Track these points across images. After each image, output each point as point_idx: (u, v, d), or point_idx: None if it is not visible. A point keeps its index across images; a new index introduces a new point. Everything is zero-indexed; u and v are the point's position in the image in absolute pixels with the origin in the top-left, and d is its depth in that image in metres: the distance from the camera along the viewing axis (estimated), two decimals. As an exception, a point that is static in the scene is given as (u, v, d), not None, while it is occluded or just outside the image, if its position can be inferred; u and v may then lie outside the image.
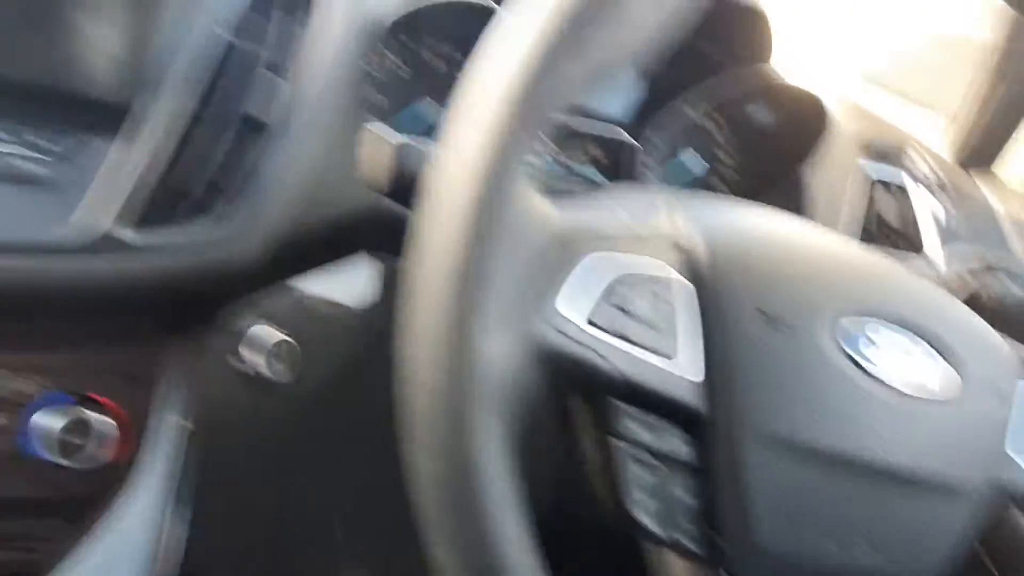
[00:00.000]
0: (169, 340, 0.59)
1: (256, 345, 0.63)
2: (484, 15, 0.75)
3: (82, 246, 0.49)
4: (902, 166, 0.91)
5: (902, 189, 0.90)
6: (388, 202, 0.73)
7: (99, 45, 0.55)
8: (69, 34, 0.54)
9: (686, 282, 0.42)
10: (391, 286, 0.74)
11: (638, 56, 0.38)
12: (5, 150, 0.50)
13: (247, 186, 0.55)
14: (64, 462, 0.57)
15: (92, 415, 0.57)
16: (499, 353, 0.36)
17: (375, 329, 0.72)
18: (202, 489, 0.62)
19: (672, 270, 0.42)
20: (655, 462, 0.40)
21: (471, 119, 0.36)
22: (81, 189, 0.51)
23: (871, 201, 0.87)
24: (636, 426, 0.40)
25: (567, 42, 0.35)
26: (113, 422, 0.58)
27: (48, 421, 0.56)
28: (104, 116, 0.54)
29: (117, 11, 0.55)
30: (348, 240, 0.68)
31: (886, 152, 0.90)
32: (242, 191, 0.55)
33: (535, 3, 0.36)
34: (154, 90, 0.55)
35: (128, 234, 0.50)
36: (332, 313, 0.69)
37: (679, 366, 0.40)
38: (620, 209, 0.44)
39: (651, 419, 0.40)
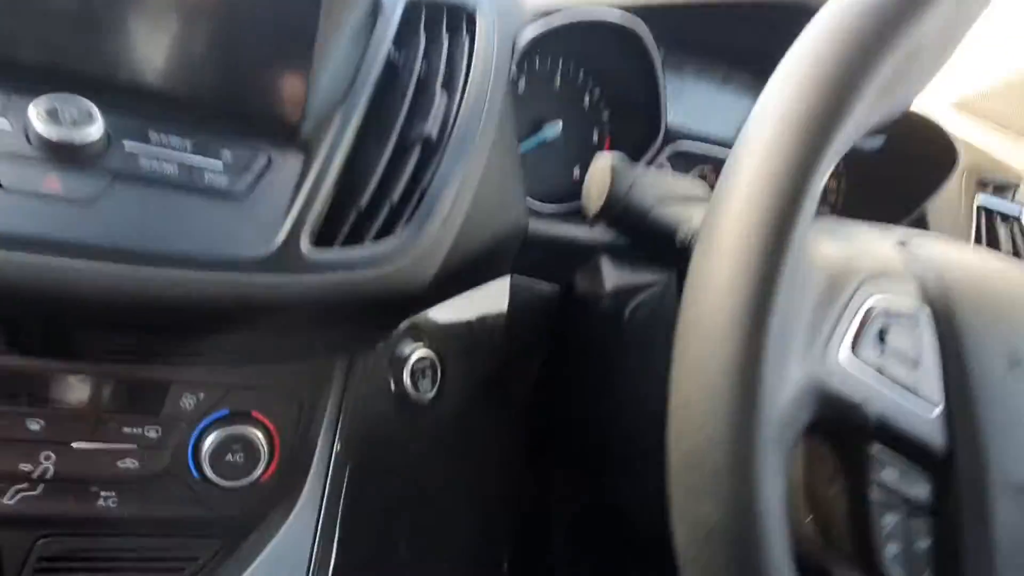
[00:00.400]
0: (332, 360, 0.58)
1: (402, 362, 0.62)
2: (616, 34, 0.75)
3: (265, 262, 0.48)
4: (1018, 200, 0.90)
5: (1019, 222, 0.89)
6: (539, 225, 0.72)
7: (277, 65, 0.54)
8: (250, 54, 0.53)
9: (931, 320, 0.41)
10: (523, 307, 0.73)
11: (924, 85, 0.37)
12: (195, 163, 0.49)
13: (423, 205, 0.54)
14: (221, 481, 0.55)
15: (251, 432, 0.56)
16: (781, 395, 0.35)
17: (512, 348, 0.71)
18: (351, 508, 0.60)
19: (924, 308, 0.41)
20: (904, 508, 0.39)
21: (763, 149, 0.35)
22: (266, 204, 0.50)
23: (991, 234, 0.87)
24: (891, 472, 0.39)
25: (871, 74, 0.34)
26: (268, 441, 0.57)
27: (212, 437, 0.54)
28: (283, 134, 0.53)
29: (291, 32, 0.54)
30: (500, 260, 0.67)
31: (1003, 186, 0.89)
32: (418, 210, 0.54)
33: (831, 34, 0.35)
34: (330, 110, 0.54)
35: (311, 251, 0.49)
36: (469, 329, 0.68)
37: (932, 408, 0.39)
38: (868, 244, 0.43)
39: (902, 463, 0.39)
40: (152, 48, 0.51)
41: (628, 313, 0.68)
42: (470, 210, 0.56)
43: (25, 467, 0.52)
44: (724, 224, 0.35)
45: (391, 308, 0.55)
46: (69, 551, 0.55)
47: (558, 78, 0.82)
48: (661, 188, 0.56)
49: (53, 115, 0.45)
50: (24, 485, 0.52)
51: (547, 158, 0.84)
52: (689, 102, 0.87)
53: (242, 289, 0.47)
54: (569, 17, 0.71)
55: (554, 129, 0.81)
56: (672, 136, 0.83)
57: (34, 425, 0.51)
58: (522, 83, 0.81)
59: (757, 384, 0.34)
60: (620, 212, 0.56)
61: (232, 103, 0.52)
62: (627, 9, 0.74)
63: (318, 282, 0.49)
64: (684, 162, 0.87)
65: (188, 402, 0.54)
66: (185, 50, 0.51)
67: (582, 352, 0.73)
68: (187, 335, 0.51)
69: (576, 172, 0.85)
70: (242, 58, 0.52)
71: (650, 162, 0.83)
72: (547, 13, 0.73)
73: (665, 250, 0.55)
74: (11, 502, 0.52)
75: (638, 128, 0.83)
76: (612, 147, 0.86)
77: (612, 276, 0.77)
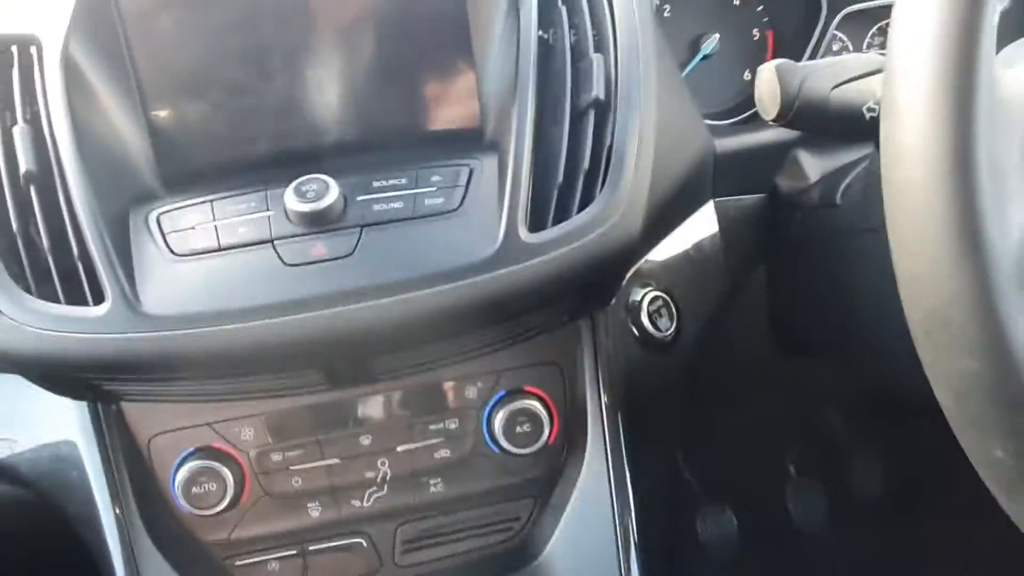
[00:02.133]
0: (576, 323, 0.64)
1: (638, 308, 0.67)
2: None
3: (495, 258, 0.54)
4: None
5: None
6: (726, 142, 0.74)
7: (446, 81, 0.61)
8: (421, 81, 0.61)
9: None
10: (734, 224, 0.75)
11: None
12: (414, 193, 0.57)
13: (612, 165, 0.58)
14: (517, 450, 0.64)
15: (529, 404, 0.64)
16: (1009, 238, 0.35)
17: (733, 266, 0.74)
18: (632, 447, 0.67)
19: None
20: None
21: None
22: (479, 209, 0.57)
23: None
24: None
25: None
26: (545, 407, 0.64)
27: (500, 417, 0.63)
28: (470, 139, 0.59)
29: (450, 46, 0.61)
30: (700, 189, 0.70)
31: None
32: (609, 170, 0.58)
33: None
34: (504, 105, 0.59)
35: (530, 237, 0.55)
36: (689, 260, 0.71)
37: None
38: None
39: None
40: (350, 109, 0.61)
41: (840, 198, 0.67)
42: (656, 153, 0.60)
43: (369, 474, 0.64)
44: (907, 78, 0.35)
45: (613, 266, 0.59)
46: (422, 531, 0.68)
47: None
48: (833, 73, 0.55)
49: (302, 194, 0.55)
50: (373, 488, 0.65)
51: (713, 71, 0.83)
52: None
53: (484, 288, 0.54)
54: None
55: (712, 43, 0.81)
56: (836, 5, 0.80)
57: (365, 440, 0.64)
58: (667, 8, 0.82)
59: (981, 230, 0.34)
60: (799, 111, 0.56)
61: (421, 128, 0.61)
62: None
63: (544, 263, 0.55)
64: (857, 25, 0.83)
65: (471, 392, 0.64)
66: (371, 100, 0.60)
67: (804, 249, 0.73)
68: (454, 339, 0.60)
69: (747, 74, 0.84)
70: (416, 86, 0.61)
71: (820, 38, 0.80)
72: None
73: (857, 129, 0.55)
74: (368, 504, 0.65)
75: (797, 10, 0.81)
76: (775, 39, 0.84)
77: (814, 167, 0.76)
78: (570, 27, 0.62)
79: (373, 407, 0.63)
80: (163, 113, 0.59)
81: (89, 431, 0.60)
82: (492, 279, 0.54)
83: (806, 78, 0.56)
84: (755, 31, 0.84)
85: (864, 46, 0.85)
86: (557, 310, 0.62)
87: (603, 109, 0.60)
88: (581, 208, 0.57)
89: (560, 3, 0.63)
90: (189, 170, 0.60)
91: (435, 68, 0.61)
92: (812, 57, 0.80)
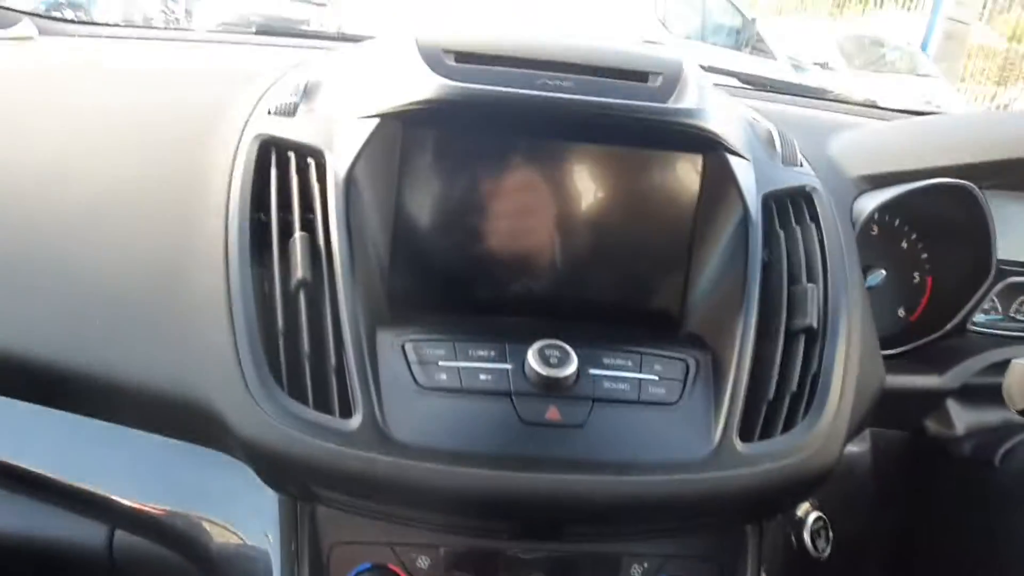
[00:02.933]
0: (744, 528, 0.67)
1: (800, 524, 0.70)
2: (947, 192, 0.80)
3: (710, 460, 0.58)
4: None
5: None
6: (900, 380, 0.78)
7: (660, 276, 0.67)
8: (642, 269, 0.67)
9: None
10: (881, 457, 0.79)
11: None
12: (639, 378, 0.61)
13: (820, 392, 0.63)
14: None
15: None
16: None
17: (880, 498, 0.77)
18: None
19: None
20: None
21: None
22: (695, 406, 0.61)
23: None
24: None
25: None
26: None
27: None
28: (668, 331, 0.65)
29: (671, 249, 0.67)
30: (868, 417, 0.74)
31: None
32: (817, 398, 0.62)
33: None
34: (722, 311, 0.65)
35: (743, 447, 0.59)
36: (845, 485, 0.75)
37: None
38: None
39: None
40: (570, 276, 0.67)
41: (999, 459, 0.71)
42: (858, 386, 0.64)
43: None
44: None
45: (809, 485, 0.63)
46: None
47: (875, 227, 0.89)
48: None
49: (545, 358, 0.59)
50: None
51: (873, 302, 0.89)
52: (1013, 234, 0.89)
53: (696, 485, 0.58)
54: (905, 187, 0.78)
55: (877, 278, 0.87)
56: (1002, 273, 0.86)
57: None
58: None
59: None
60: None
61: (626, 306, 0.67)
62: (955, 169, 0.80)
63: (752, 473, 0.59)
64: (1011, 291, 0.90)
65: (637, 570, 0.66)
66: (591, 272, 0.67)
67: (948, 500, 0.76)
68: (641, 523, 0.63)
69: (901, 312, 0.90)
70: (631, 270, 0.67)
71: (980, 300, 0.86)
72: (875, 177, 0.81)
73: None
74: None
75: (962, 266, 0.88)
76: (934, 286, 0.90)
77: (961, 417, 0.81)
78: (786, 252, 0.68)
79: (546, 564, 0.65)
80: (407, 241, 0.65)
81: (285, 527, 0.63)
82: (704, 479, 0.58)
83: None
84: (916, 274, 0.90)
85: (1011, 311, 0.91)
86: (735, 515, 0.65)
87: (813, 335, 0.65)
88: (786, 426, 0.61)
89: (779, 228, 0.69)
90: (415, 298, 0.64)
91: (652, 258, 0.67)
92: (969, 313, 0.86)
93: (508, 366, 0.60)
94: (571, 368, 0.59)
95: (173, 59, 0.97)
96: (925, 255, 0.90)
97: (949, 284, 0.89)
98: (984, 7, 9.92)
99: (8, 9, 1.00)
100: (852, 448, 0.77)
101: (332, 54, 0.82)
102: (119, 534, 0.71)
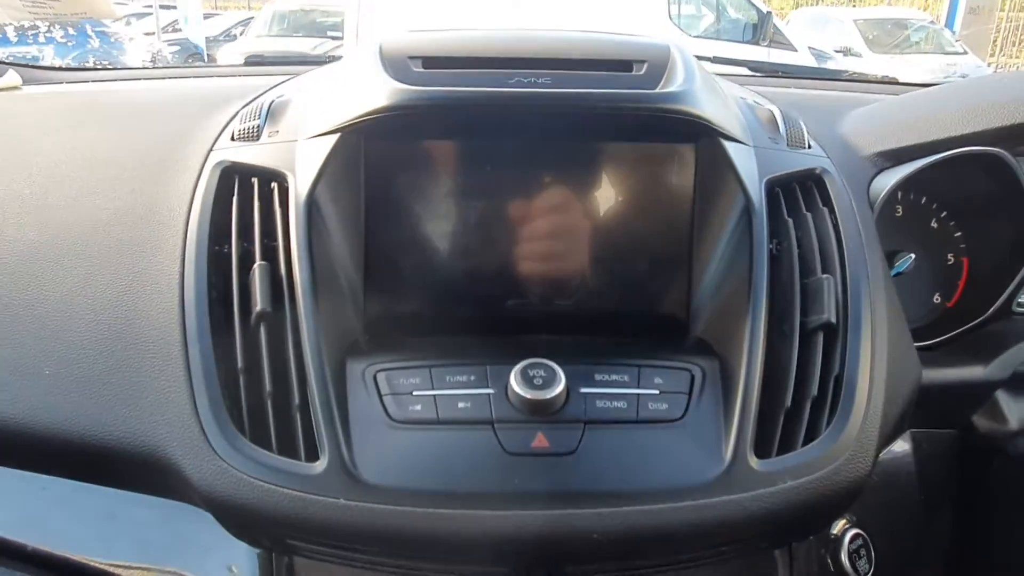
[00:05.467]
0: (773, 552, 0.60)
1: (836, 544, 0.63)
2: (973, 161, 0.73)
3: (727, 483, 0.52)
4: None
5: None
6: (928, 373, 0.71)
7: (662, 278, 0.61)
8: (638, 271, 0.61)
9: None
10: (926, 460, 0.71)
11: None
12: (637, 394, 0.55)
13: (844, 398, 0.55)
14: None
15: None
16: None
17: (926, 505, 0.69)
18: None
19: None
20: None
21: None
22: (702, 421, 0.55)
23: None
24: None
25: None
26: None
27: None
28: (675, 332, 0.58)
29: (670, 248, 0.61)
30: (905, 420, 0.67)
31: None
32: (842, 404, 0.55)
33: None
34: (728, 311, 0.58)
35: (758, 464, 0.52)
36: (885, 497, 0.67)
37: None
38: None
39: None
40: (561, 287, 0.61)
41: None
42: (886, 386, 0.57)
43: None
44: None
45: (840, 503, 0.56)
46: None
47: (899, 207, 0.82)
48: None
49: (528, 380, 0.54)
50: None
51: (902, 289, 0.82)
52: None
53: (705, 513, 0.51)
54: (927, 160, 0.71)
55: (906, 263, 0.80)
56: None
57: None
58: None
59: None
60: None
61: (627, 313, 0.61)
62: (982, 136, 0.72)
63: (771, 494, 0.52)
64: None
65: None
66: (585, 281, 0.61)
67: (1005, 504, 0.68)
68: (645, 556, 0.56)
69: (936, 298, 0.82)
70: (630, 274, 0.61)
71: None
72: (892, 152, 0.74)
73: None
74: None
75: (1000, 243, 0.79)
76: (971, 268, 0.82)
77: (1015, 411, 0.72)
78: (796, 242, 0.62)
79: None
80: (381, 261, 0.60)
81: (260, 581, 0.58)
82: (715, 504, 0.52)
83: None
84: (949, 256, 0.82)
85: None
86: (758, 538, 0.58)
87: (832, 331, 0.58)
88: (808, 436, 0.54)
89: (787, 216, 0.63)
90: (393, 322, 0.60)
91: (651, 261, 0.61)
92: (1013, 294, 0.78)
93: (490, 391, 0.55)
94: (558, 388, 0.53)
95: (155, 96, 0.94)
96: (958, 234, 0.82)
97: (987, 264, 0.80)
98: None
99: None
100: (891, 453, 0.69)
101: (303, 75, 0.78)
102: None
